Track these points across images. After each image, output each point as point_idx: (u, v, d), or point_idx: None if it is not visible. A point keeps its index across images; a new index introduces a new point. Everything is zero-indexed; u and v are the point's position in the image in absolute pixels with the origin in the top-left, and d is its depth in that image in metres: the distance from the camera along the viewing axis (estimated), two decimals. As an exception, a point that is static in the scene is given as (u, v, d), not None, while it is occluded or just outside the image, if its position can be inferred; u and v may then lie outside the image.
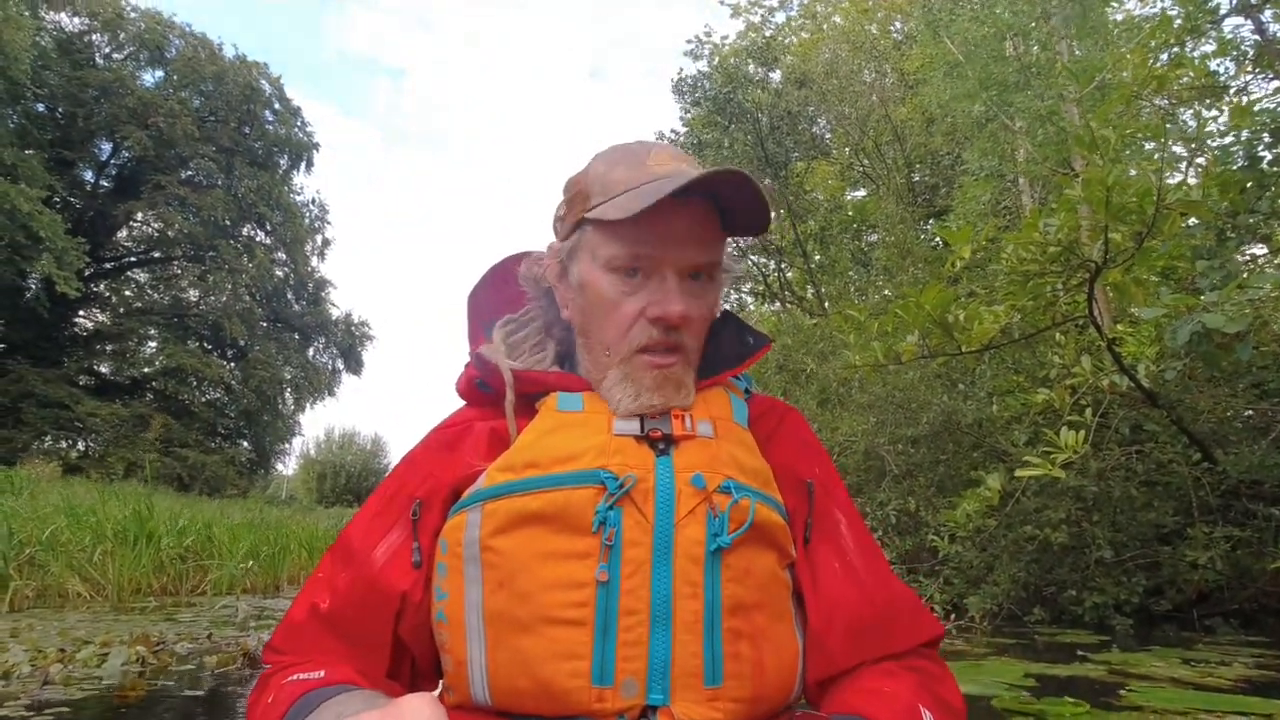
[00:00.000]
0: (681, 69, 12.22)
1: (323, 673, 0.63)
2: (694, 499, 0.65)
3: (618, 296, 0.70)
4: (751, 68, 12.16)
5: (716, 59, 12.16)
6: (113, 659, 2.73)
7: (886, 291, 9.96)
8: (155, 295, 23.69)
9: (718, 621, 0.62)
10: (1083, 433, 3.22)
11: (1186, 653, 3.02)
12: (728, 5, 12.97)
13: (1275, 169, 3.30)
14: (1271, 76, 4.62)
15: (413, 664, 0.72)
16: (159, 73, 22.56)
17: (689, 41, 12.37)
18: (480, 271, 0.85)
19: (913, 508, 4.83)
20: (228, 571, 5.90)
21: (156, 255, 23.64)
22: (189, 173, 22.76)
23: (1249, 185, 3.35)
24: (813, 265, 11.99)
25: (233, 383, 23.58)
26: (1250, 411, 4.16)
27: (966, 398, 5.06)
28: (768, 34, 13.01)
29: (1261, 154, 3.40)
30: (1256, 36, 4.77)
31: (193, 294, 23.70)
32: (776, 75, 12.48)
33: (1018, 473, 3.28)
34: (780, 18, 13.62)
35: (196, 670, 2.73)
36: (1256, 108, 3.64)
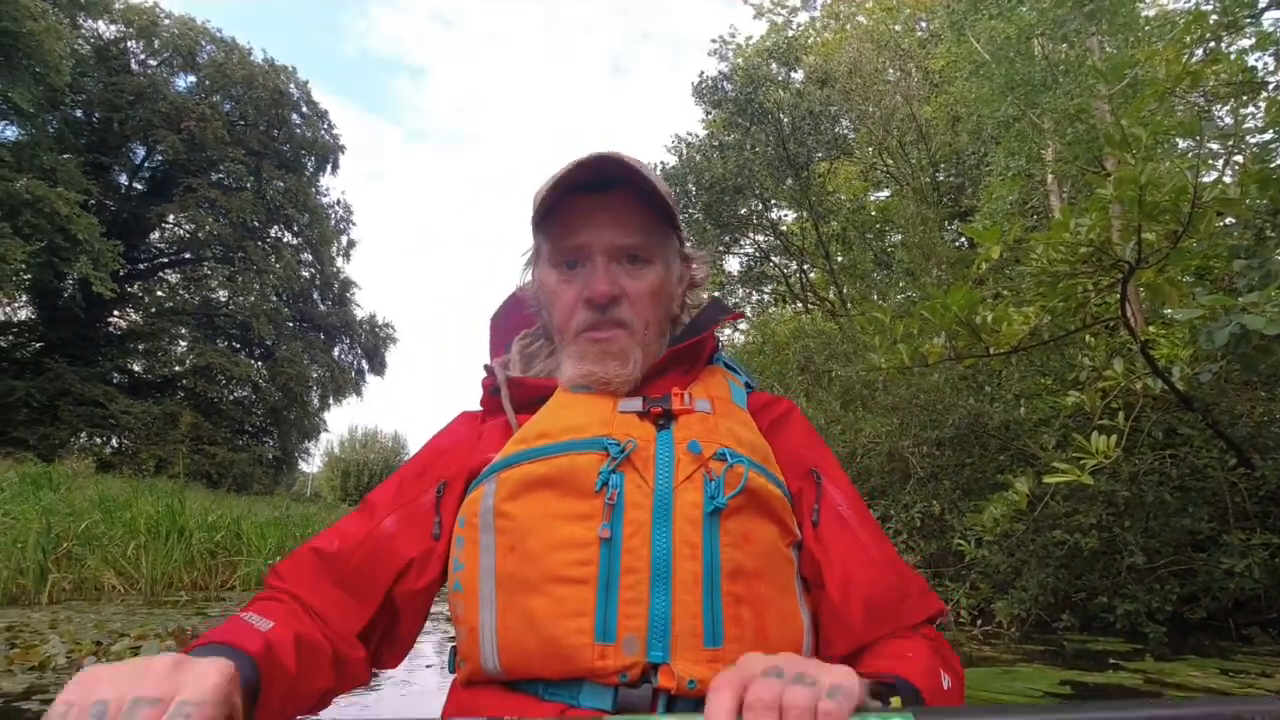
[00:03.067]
0: (703, 72, 12.17)
1: (272, 624, 0.64)
2: (691, 465, 0.68)
3: (560, 287, 0.80)
4: (774, 67, 12.10)
5: (740, 59, 12.12)
6: (145, 652, 2.79)
7: (909, 293, 9.85)
8: (186, 295, 24.17)
9: (717, 584, 0.65)
10: (1114, 438, 3.15)
11: (1224, 662, 2.95)
12: (751, 4, 12.94)
13: (1317, 166, 3.20)
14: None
15: (386, 632, 0.75)
16: (191, 78, 23.05)
17: (713, 40, 12.36)
18: (495, 280, 0.93)
19: (937, 511, 4.76)
20: (256, 567, 6.01)
21: (187, 256, 24.13)
22: (219, 175, 23.20)
23: (1289, 183, 3.25)
24: (835, 266, 11.89)
25: (260, 381, 23.99)
26: (1290, 416, 4.04)
27: (993, 400, 4.98)
28: (790, 34, 12.93)
29: (1303, 151, 3.30)
30: (1297, 30, 4.64)
31: (222, 294, 24.16)
32: (799, 75, 12.40)
33: (1045, 479, 3.22)
34: (803, 17, 13.55)
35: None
36: (1297, 103, 3.54)
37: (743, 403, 0.81)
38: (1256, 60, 5.40)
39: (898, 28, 12.68)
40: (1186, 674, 2.67)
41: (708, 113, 12.26)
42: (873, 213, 12.41)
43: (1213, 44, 5.47)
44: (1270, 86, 5.29)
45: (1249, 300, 2.64)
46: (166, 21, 22.28)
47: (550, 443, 0.70)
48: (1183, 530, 3.89)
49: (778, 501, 0.71)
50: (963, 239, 10.37)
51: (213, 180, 22.81)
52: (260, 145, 23.68)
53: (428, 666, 3.15)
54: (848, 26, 13.61)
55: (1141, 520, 3.96)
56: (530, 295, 0.88)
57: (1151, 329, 4.08)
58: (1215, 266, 4.11)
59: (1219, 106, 6.17)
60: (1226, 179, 3.68)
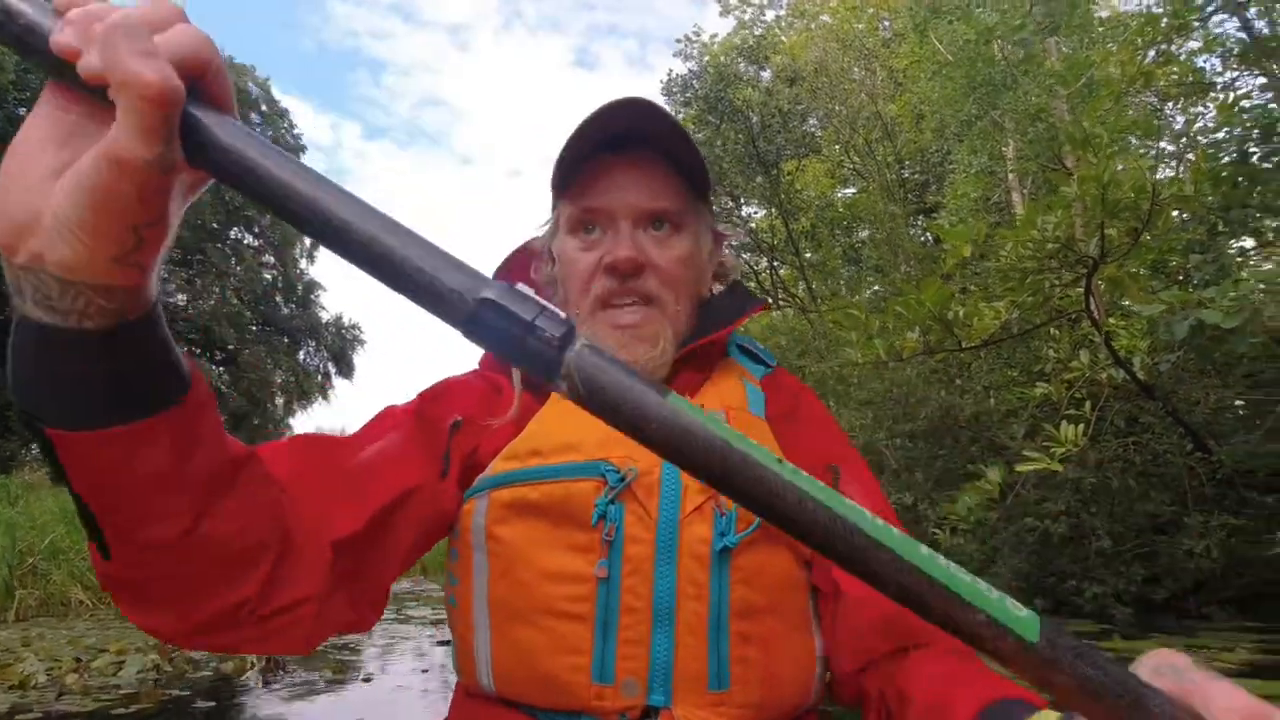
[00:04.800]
0: (671, 70, 12.24)
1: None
2: (700, 495, 0.62)
3: (577, 254, 0.71)
4: (742, 66, 12.20)
5: (707, 57, 12.20)
6: (129, 667, 2.73)
7: (877, 288, 10.04)
8: (142, 300, 23.45)
9: (724, 624, 0.60)
10: (1081, 426, 3.28)
11: (1189, 640, 3.09)
12: (718, 1, 13.03)
13: (1265, 165, 3.37)
14: (1258, 73, 4.70)
15: (365, 565, 0.58)
16: (143, 76, 22.35)
17: (678, 41, 12.42)
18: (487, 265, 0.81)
19: (910, 502, 4.89)
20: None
21: (143, 260, 23.42)
22: (175, 176, 22.55)
23: (1240, 180, 3.41)
24: (804, 263, 12.05)
25: (222, 386, 23.40)
26: (1242, 401, 4.24)
27: (964, 393, 5.13)
28: (758, 32, 13.05)
29: (1252, 150, 3.47)
30: (1243, 34, 4.85)
31: (181, 298, 23.49)
32: (767, 74, 12.54)
33: (1018, 468, 3.34)
34: (770, 16, 13.68)
35: (213, 677, 2.74)
36: (1246, 104, 3.71)
37: (760, 410, 0.73)
38: (1204, 62, 5.63)
39: (860, 26, 12.88)
40: (1154, 651, 2.79)
41: (677, 111, 12.30)
42: (840, 209, 12.60)
43: (1164, 46, 5.68)
44: (1218, 87, 5.51)
45: (1205, 295, 2.78)
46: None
47: (543, 464, 0.64)
48: (1145, 514, 4.06)
49: None
50: (928, 235, 10.61)
51: (169, 181, 22.16)
52: (218, 145, 23.07)
53: (423, 671, 3.13)
54: (812, 25, 13.79)
55: (1107, 506, 4.12)
56: (545, 278, 0.77)
57: (1111, 321, 4.24)
58: (1170, 260, 4.29)
59: (1170, 105, 6.42)
60: (1181, 177, 3.83)
